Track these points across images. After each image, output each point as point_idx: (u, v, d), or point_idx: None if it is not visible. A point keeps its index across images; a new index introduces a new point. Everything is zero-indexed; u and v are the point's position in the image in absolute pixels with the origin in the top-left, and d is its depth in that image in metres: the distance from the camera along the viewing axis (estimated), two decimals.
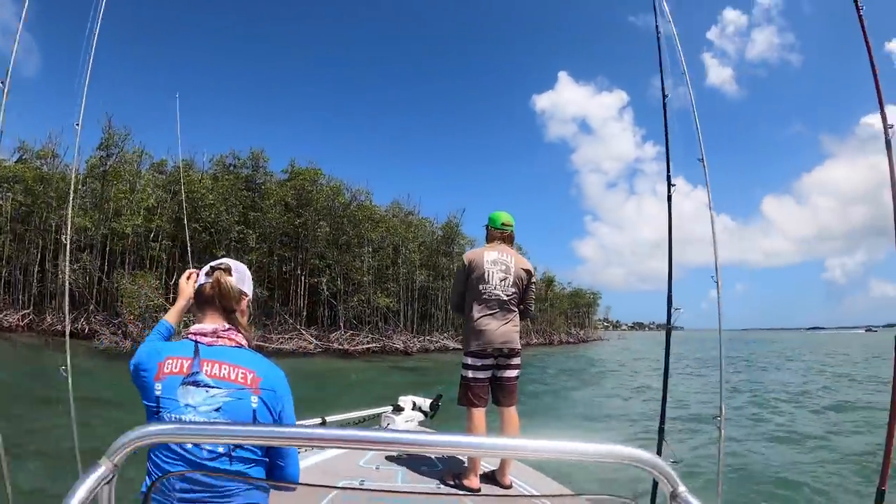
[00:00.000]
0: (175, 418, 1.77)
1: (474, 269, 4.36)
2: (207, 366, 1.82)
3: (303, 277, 39.67)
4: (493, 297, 4.28)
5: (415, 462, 4.55)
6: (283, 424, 1.83)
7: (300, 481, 2.05)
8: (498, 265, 4.34)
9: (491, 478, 4.22)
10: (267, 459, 1.88)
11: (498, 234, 4.55)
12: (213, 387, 1.79)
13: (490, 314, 4.26)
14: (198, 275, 2.17)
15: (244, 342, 1.94)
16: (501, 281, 4.31)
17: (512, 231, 4.63)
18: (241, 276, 2.04)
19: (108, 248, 33.33)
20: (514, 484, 4.14)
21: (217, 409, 1.78)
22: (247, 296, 2.07)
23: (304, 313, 39.21)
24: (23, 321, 32.28)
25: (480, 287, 4.31)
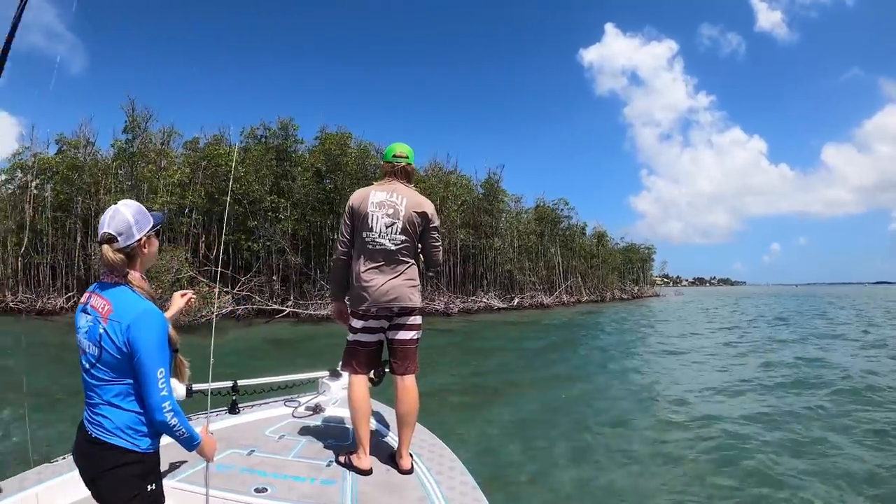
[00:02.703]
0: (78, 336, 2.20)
1: (357, 213, 3.78)
2: (93, 298, 2.19)
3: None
4: (377, 247, 3.70)
5: (324, 435, 4.19)
6: None
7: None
8: (384, 208, 3.72)
9: (393, 458, 3.70)
10: (120, 380, 2.15)
11: (389, 167, 3.92)
12: (89, 314, 2.16)
13: (374, 267, 3.70)
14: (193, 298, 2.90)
15: (123, 280, 2.21)
16: (388, 227, 3.70)
17: (407, 163, 3.95)
18: (128, 234, 2.21)
19: None
20: (416, 468, 3.62)
21: (85, 332, 2.15)
22: (144, 238, 2.27)
23: None
24: (67, 303, 33.56)
25: (364, 235, 3.73)
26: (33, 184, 35.75)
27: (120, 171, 35.02)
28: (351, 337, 3.81)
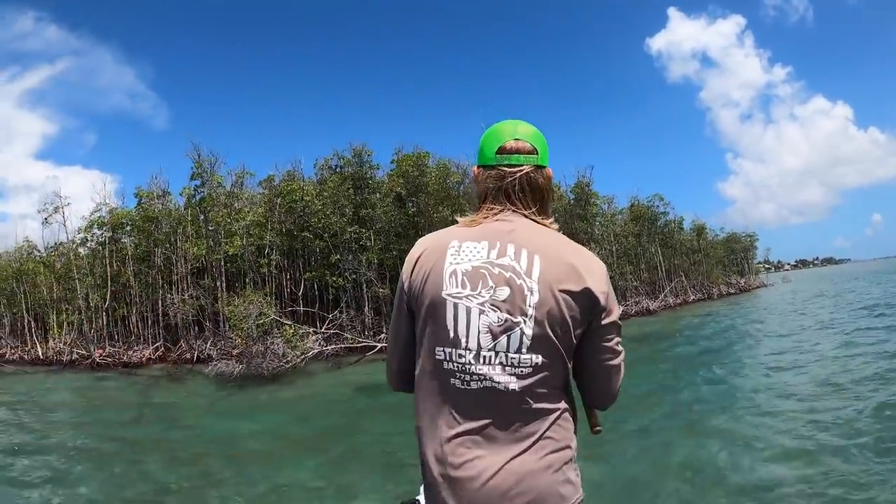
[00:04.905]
0: None
1: (419, 297, 1.66)
2: None
3: None
4: (474, 385, 1.57)
5: None
6: None
7: None
8: (485, 286, 1.58)
9: None
10: None
11: (494, 180, 1.72)
12: None
13: (472, 431, 1.57)
14: None
15: None
16: (499, 335, 1.56)
17: (535, 166, 1.73)
18: None
19: (223, 271, 32.88)
20: None
21: None
22: None
23: None
24: (154, 354, 33.24)
25: (439, 353, 1.61)
26: (108, 236, 36.15)
27: (199, 217, 34.31)
28: None
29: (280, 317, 28.29)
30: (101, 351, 33.48)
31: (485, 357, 1.54)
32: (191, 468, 10.95)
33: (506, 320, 1.53)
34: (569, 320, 1.56)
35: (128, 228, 36.38)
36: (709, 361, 18.39)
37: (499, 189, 1.70)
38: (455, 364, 1.56)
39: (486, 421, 1.55)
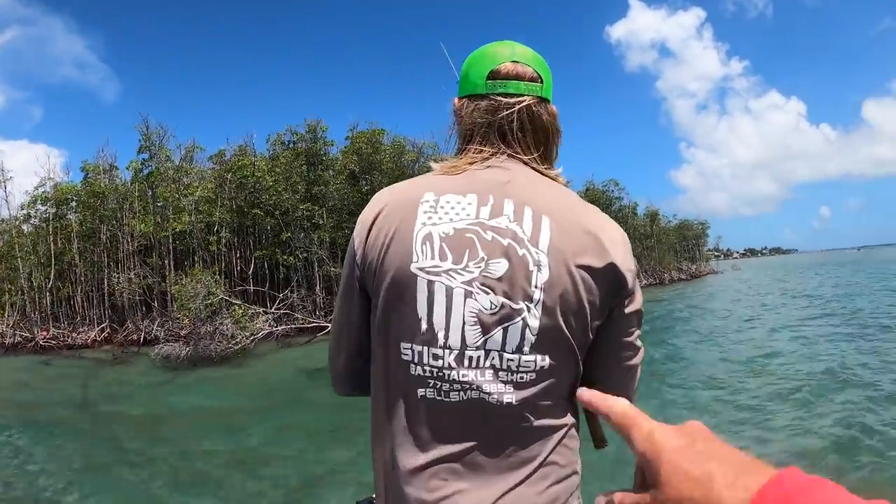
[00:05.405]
0: None
1: (380, 270, 1.17)
2: None
3: None
4: (453, 396, 1.13)
5: None
6: None
7: None
8: (472, 252, 1.12)
9: None
10: None
11: (482, 112, 1.26)
12: None
13: (449, 458, 1.13)
14: None
15: None
16: (490, 327, 1.11)
17: (537, 97, 1.27)
18: None
19: (171, 249, 32.01)
20: None
21: None
22: None
23: None
24: (101, 335, 32.11)
25: (404, 351, 1.15)
26: (52, 212, 34.72)
27: (147, 193, 33.42)
28: None
29: (229, 296, 27.62)
30: (44, 333, 32.22)
31: (471, 358, 1.13)
32: (138, 443, 10.80)
33: (502, 306, 1.12)
34: (587, 307, 1.15)
35: (73, 204, 34.98)
36: (652, 341, 19.01)
37: (490, 125, 1.27)
38: (428, 368, 1.15)
39: (470, 444, 1.16)
